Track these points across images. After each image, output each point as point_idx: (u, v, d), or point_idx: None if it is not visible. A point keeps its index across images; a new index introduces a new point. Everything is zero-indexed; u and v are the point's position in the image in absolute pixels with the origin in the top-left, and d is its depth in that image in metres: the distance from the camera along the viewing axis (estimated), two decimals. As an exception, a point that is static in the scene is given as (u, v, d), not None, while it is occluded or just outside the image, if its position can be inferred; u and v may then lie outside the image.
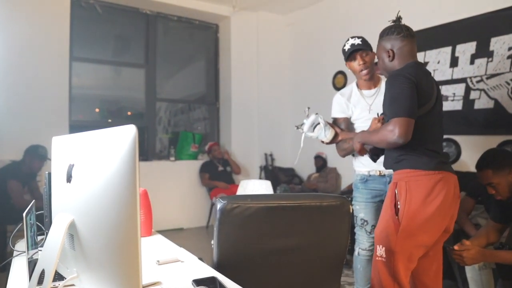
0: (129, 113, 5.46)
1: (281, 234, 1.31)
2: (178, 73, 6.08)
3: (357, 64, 2.24)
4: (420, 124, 1.70)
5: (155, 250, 1.59)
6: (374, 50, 2.18)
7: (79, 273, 0.92)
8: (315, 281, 1.46)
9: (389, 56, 1.87)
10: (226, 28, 5.65)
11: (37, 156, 3.70)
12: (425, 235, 1.73)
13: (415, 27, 4.12)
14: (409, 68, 1.77)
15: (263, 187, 2.56)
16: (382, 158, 1.99)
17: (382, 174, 2.23)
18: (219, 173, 5.10)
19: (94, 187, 0.81)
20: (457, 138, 3.86)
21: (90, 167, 0.84)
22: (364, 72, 2.21)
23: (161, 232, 5.36)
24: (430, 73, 1.89)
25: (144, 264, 1.37)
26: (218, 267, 1.28)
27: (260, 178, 5.39)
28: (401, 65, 1.82)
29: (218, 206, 1.25)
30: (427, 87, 1.77)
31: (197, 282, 1.16)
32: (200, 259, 1.44)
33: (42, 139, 3.91)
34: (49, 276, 0.86)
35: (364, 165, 2.29)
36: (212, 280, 1.18)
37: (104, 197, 0.78)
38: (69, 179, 0.92)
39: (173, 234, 4.93)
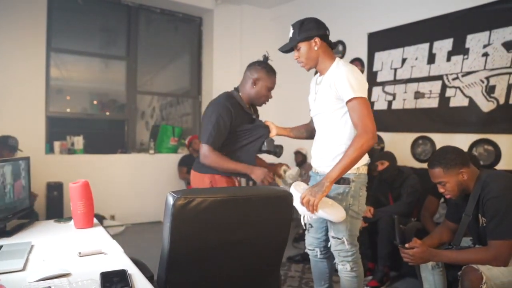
0: (108, 112, 5.41)
1: (233, 226, 1.31)
2: (163, 67, 6.04)
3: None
4: None
5: (86, 242, 1.55)
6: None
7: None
8: (256, 272, 1.47)
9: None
10: (209, 21, 5.59)
11: (7, 146, 3.66)
12: None
13: (394, 23, 4.13)
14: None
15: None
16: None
17: (316, 171, 2.10)
18: (198, 167, 5.06)
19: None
20: (432, 136, 3.83)
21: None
22: (300, 65, 2.03)
23: (138, 225, 5.34)
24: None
25: (64, 255, 1.35)
26: (168, 262, 1.25)
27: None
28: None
29: (171, 200, 1.20)
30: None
31: (104, 274, 1.13)
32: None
33: (15, 130, 3.88)
34: None
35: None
36: (121, 273, 1.15)
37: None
38: None
39: (151, 227, 4.91)
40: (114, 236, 4.30)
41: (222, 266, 1.34)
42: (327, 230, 2.08)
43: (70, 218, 1.90)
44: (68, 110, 5.07)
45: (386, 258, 2.97)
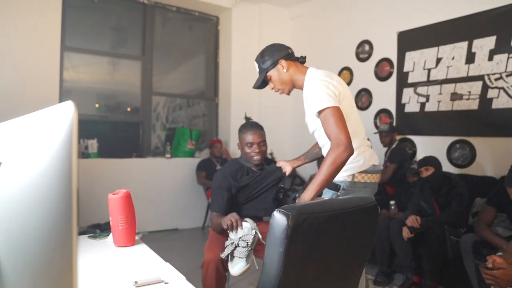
0: (128, 109, 5.18)
1: (340, 242, 1.22)
2: (178, 67, 5.82)
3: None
4: None
5: (134, 265, 1.33)
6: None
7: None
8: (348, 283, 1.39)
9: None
10: (227, 21, 5.39)
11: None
12: None
13: (428, 21, 3.92)
14: None
15: None
16: None
17: None
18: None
19: (17, 196, 0.54)
20: (471, 139, 3.61)
21: (17, 166, 0.58)
22: (279, 93, 1.98)
23: (154, 233, 5.12)
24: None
25: (117, 285, 1.12)
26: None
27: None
28: None
29: (285, 219, 1.03)
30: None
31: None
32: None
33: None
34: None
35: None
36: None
37: (29, 208, 0.52)
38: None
39: (167, 235, 4.68)
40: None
41: (325, 282, 1.23)
42: None
43: (106, 234, 1.67)
44: (81, 112, 4.84)
45: (435, 273, 2.74)
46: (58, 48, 4.17)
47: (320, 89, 1.73)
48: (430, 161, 3.03)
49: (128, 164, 4.65)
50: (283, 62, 1.86)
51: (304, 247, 1.09)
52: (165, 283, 1.14)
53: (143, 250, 1.51)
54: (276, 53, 1.87)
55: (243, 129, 2.32)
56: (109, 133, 4.99)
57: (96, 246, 1.57)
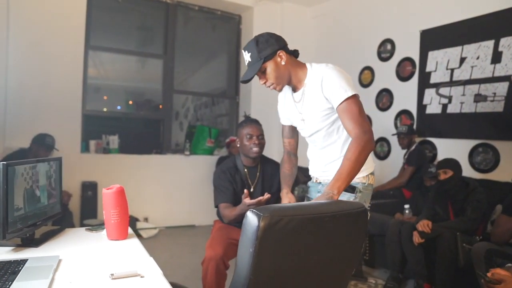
0: (160, 106, 5.27)
1: (316, 247, 1.18)
2: (200, 65, 5.90)
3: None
4: None
5: (118, 259, 1.36)
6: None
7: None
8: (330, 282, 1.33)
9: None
10: (249, 19, 5.40)
11: (44, 145, 3.59)
12: None
13: (452, 18, 3.76)
14: None
15: None
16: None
17: (318, 181, 1.88)
18: (235, 170, 4.86)
19: None
20: (495, 143, 3.44)
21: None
22: (271, 88, 1.72)
23: (171, 228, 5.21)
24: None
25: (94, 276, 1.15)
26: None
27: (278, 177, 5.11)
28: None
29: (256, 220, 1.02)
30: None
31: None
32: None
33: (51, 129, 3.81)
34: None
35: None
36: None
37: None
38: None
39: (184, 231, 4.75)
40: (147, 239, 4.14)
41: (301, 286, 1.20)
42: None
43: (102, 227, 1.72)
44: (104, 109, 5.00)
45: (446, 281, 2.63)
46: (82, 47, 4.32)
47: (342, 76, 1.60)
48: (450, 163, 2.92)
49: (147, 160, 4.76)
50: (282, 53, 1.64)
51: (277, 249, 1.07)
52: (141, 276, 1.16)
53: (133, 245, 1.54)
54: (274, 43, 1.64)
55: (242, 124, 2.36)
56: (130, 130, 5.12)
57: (90, 238, 1.62)
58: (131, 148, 4.75)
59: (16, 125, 3.91)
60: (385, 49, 4.48)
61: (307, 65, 1.73)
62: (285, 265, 1.11)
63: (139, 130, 5.37)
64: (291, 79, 1.72)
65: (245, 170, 2.39)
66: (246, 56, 1.68)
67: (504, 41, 3.36)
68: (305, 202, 1.69)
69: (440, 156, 3.81)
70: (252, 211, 1.05)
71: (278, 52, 1.64)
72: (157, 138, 5.13)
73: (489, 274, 1.57)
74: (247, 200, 2.00)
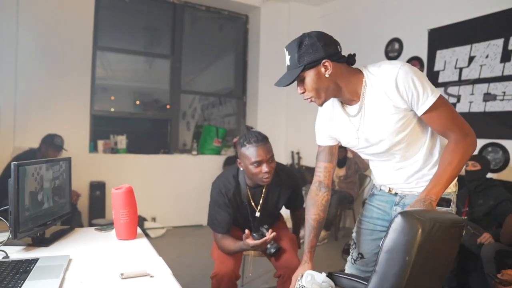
0: (168, 106, 5.29)
1: (439, 255, 1.12)
2: (208, 65, 5.92)
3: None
4: None
5: (127, 258, 1.37)
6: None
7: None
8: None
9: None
10: (256, 19, 5.40)
11: (53, 145, 3.62)
12: None
13: (460, 17, 3.73)
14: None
15: None
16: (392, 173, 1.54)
17: (393, 192, 1.57)
18: (242, 170, 4.87)
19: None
20: (504, 143, 3.41)
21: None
22: (309, 101, 1.43)
23: (179, 228, 5.22)
24: None
25: (105, 275, 1.16)
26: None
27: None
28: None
29: (418, 225, 0.93)
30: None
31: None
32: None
33: (60, 129, 3.85)
34: None
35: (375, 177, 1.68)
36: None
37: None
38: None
39: (191, 231, 4.77)
40: (154, 239, 4.15)
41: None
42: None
43: (111, 226, 1.73)
44: (112, 109, 5.04)
45: (453, 280, 2.62)
46: (90, 48, 4.35)
47: (421, 76, 1.33)
48: (481, 159, 3.03)
49: (155, 160, 4.78)
50: (327, 63, 1.33)
51: (427, 258, 0.99)
52: (151, 276, 1.17)
53: (142, 244, 1.55)
54: (319, 49, 1.32)
55: (245, 143, 1.86)
56: (138, 130, 5.15)
57: (100, 238, 1.63)
58: (139, 148, 4.78)
59: (25, 125, 3.96)
60: (393, 48, 4.46)
61: (363, 70, 1.41)
62: (420, 272, 1.04)
63: (146, 130, 5.40)
64: (341, 92, 1.41)
65: (248, 191, 2.01)
66: (286, 57, 1.40)
67: (514, 40, 3.33)
68: (441, 212, 1.39)
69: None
70: (408, 215, 0.95)
71: (323, 61, 1.33)
72: (165, 138, 5.15)
73: (499, 275, 1.56)
74: (250, 241, 1.81)
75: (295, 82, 1.38)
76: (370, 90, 1.37)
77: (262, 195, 2.01)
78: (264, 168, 1.83)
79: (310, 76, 1.35)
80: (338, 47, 1.38)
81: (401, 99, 1.32)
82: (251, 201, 2.03)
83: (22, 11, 3.93)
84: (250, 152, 1.83)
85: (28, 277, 1.13)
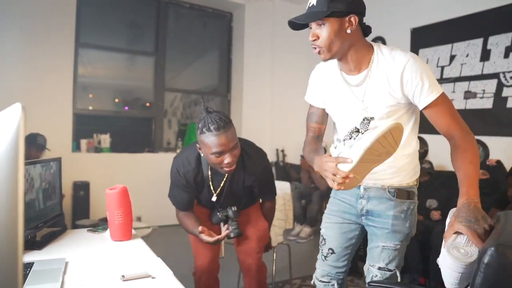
0: (148, 104, 5.24)
1: None
2: (191, 63, 5.87)
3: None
4: None
5: (127, 260, 1.36)
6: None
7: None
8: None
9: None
10: (240, 17, 5.39)
11: (35, 145, 3.54)
12: None
13: (442, 17, 3.83)
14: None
15: None
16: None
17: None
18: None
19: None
20: (484, 139, 3.51)
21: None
22: (315, 51, 1.35)
23: (164, 227, 5.16)
24: None
25: (105, 278, 1.15)
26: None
27: (271, 175, 5.13)
28: None
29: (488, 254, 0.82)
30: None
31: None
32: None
33: (43, 128, 3.76)
34: None
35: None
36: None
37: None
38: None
39: (176, 229, 4.70)
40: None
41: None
42: (350, 257, 1.65)
43: (105, 228, 1.71)
44: (90, 107, 4.95)
45: (440, 275, 2.69)
46: (72, 45, 4.26)
47: (428, 70, 1.31)
48: (488, 168, 3.11)
49: (139, 159, 4.72)
50: (353, 18, 1.27)
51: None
52: (152, 277, 1.17)
53: (138, 245, 1.54)
54: (352, 3, 1.26)
55: (204, 130, 1.60)
56: (122, 128, 5.08)
57: (94, 240, 1.61)
58: (123, 147, 4.72)
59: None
60: (376, 47, 4.53)
61: (375, 47, 1.37)
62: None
63: (130, 128, 5.33)
64: (348, 55, 1.35)
65: (209, 174, 1.83)
66: None
67: (493, 40, 3.44)
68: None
69: (432, 152, 3.87)
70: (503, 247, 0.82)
71: (351, 16, 1.26)
72: (149, 137, 5.10)
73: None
74: (203, 237, 1.74)
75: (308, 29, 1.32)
76: (378, 66, 1.34)
77: (224, 178, 1.83)
78: (226, 158, 1.60)
79: (332, 25, 1.26)
80: (364, 11, 1.34)
81: (399, 88, 1.31)
82: (211, 185, 1.85)
83: (2, 8, 3.81)
84: (210, 140, 1.58)
85: (25, 283, 1.11)
